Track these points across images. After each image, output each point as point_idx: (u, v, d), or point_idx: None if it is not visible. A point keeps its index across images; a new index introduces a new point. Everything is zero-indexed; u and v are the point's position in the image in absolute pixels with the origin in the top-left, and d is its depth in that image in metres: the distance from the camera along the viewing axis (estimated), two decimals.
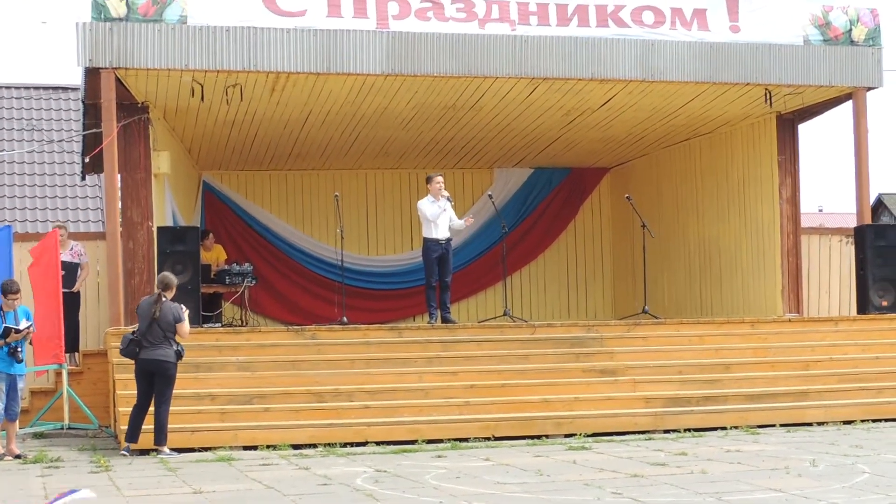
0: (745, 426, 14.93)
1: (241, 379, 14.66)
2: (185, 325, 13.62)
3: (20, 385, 13.52)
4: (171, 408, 13.41)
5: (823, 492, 9.83)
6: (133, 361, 13.51)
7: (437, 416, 14.39)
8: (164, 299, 13.56)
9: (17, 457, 13.17)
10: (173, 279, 13.88)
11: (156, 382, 13.38)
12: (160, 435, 13.31)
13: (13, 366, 13.34)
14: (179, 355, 13.49)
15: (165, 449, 13.26)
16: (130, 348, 13.44)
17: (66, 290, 16.05)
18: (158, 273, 15.63)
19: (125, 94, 16.14)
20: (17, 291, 13.62)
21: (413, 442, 13.85)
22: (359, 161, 22.48)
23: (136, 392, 13.52)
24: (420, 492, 10.27)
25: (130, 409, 13.53)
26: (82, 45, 15.38)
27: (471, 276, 23.04)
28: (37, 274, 15.87)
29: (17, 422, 13.64)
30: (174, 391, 13.51)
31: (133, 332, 13.58)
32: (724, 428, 14.85)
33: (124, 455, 13.17)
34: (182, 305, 13.81)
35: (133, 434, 13.36)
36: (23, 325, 13.41)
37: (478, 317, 21.76)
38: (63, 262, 16.51)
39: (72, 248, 17.11)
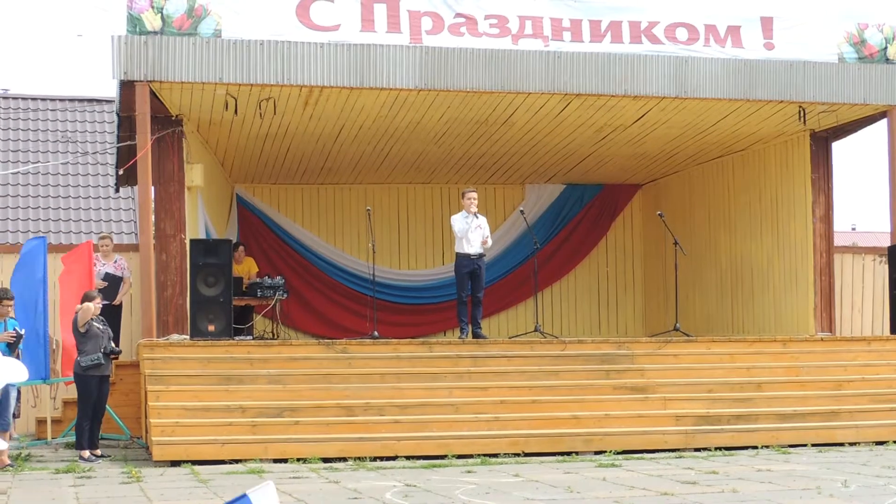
0: (777, 445, 14.86)
1: (271, 392, 14.69)
2: (84, 307, 13.99)
3: (13, 395, 13.75)
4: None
5: None
6: None
7: (466, 432, 14.40)
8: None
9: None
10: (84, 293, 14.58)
11: None
12: (77, 441, 14.12)
13: None
14: (79, 365, 13.99)
15: (85, 453, 13.89)
16: None
17: (107, 303, 16.12)
18: (191, 285, 15.77)
19: (159, 106, 16.21)
20: (11, 298, 14.28)
21: (443, 457, 13.86)
22: (391, 175, 22.52)
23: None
24: None
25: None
26: (117, 58, 15.45)
27: (502, 292, 23.01)
28: (68, 284, 15.96)
29: (8, 432, 13.80)
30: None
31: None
32: (755, 447, 14.79)
33: (91, 461, 13.77)
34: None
35: (92, 441, 14.16)
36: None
37: (508, 332, 21.77)
38: (107, 274, 16.76)
39: (116, 261, 17.24)
